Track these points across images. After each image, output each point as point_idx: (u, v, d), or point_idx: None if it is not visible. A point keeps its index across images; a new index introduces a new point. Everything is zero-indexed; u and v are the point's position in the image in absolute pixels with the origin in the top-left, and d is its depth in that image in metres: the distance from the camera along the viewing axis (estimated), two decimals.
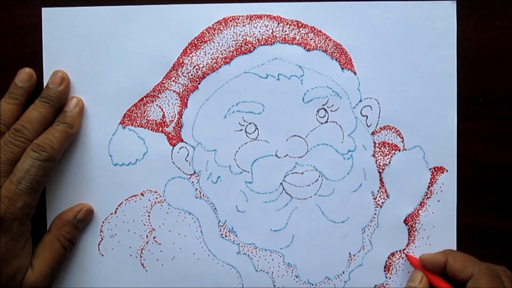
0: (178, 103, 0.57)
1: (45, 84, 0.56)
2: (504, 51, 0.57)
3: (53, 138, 0.54)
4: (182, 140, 0.57)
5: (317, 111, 0.57)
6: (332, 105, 0.57)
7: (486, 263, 0.53)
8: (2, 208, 0.51)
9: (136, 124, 0.57)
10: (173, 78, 0.57)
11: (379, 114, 0.57)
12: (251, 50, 0.57)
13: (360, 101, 0.57)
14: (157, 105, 0.57)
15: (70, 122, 0.55)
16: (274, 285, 0.57)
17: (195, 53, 0.57)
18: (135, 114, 0.57)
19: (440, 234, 0.57)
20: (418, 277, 0.54)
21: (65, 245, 0.56)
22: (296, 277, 0.57)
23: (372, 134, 0.57)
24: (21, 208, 0.52)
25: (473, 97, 0.57)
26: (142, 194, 0.57)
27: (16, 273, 0.52)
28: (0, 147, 0.53)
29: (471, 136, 0.57)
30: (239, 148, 0.57)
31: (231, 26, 0.57)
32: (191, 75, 0.57)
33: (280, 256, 0.57)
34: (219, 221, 0.57)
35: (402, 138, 0.57)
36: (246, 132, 0.57)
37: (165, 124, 0.57)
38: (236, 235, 0.57)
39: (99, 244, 0.58)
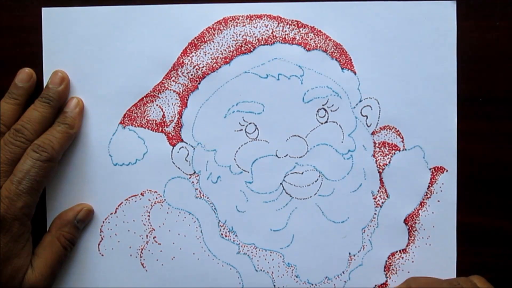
0: (178, 103, 0.57)
1: (45, 84, 0.56)
2: (504, 51, 0.57)
3: (53, 138, 0.54)
4: (182, 140, 0.57)
5: (317, 111, 0.57)
6: (332, 105, 0.57)
7: (448, 280, 0.54)
8: (2, 208, 0.51)
9: (136, 124, 0.57)
10: (173, 78, 0.57)
11: (379, 114, 0.57)
12: (251, 50, 0.57)
13: (360, 101, 0.57)
14: (157, 105, 0.57)
15: (71, 122, 0.55)
16: (274, 285, 0.57)
17: (195, 53, 0.57)
18: (135, 114, 0.57)
19: (440, 234, 0.57)
20: None
21: (66, 245, 0.56)
22: (296, 277, 0.57)
23: (372, 134, 0.57)
24: (21, 208, 0.52)
25: (473, 97, 0.57)
26: (142, 194, 0.57)
27: (16, 273, 0.52)
28: (0, 147, 0.53)
29: (471, 136, 0.57)
30: (239, 148, 0.57)
31: (231, 26, 0.57)
32: (191, 75, 0.57)
33: (280, 256, 0.57)
34: (219, 221, 0.57)
35: (402, 138, 0.57)
36: (246, 132, 0.57)
37: (165, 124, 0.57)
38: (236, 235, 0.57)
39: (99, 244, 0.58)
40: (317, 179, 0.57)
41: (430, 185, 0.57)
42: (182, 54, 0.57)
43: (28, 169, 0.52)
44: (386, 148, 0.57)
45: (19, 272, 0.52)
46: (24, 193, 0.52)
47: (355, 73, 0.57)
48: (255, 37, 0.57)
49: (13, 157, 0.53)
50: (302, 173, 0.57)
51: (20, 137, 0.53)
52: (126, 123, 0.57)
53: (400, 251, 0.57)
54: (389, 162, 0.57)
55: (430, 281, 0.54)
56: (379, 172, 0.57)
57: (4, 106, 0.55)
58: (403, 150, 0.57)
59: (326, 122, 0.57)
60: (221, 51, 0.57)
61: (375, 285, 0.57)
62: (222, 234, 0.57)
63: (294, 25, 0.57)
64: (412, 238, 0.57)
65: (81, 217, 0.56)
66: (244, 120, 0.57)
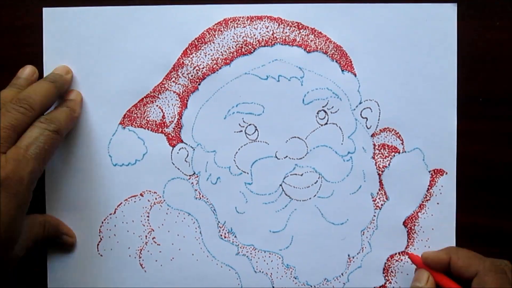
0: (178, 104, 0.57)
1: None
2: (504, 51, 0.57)
3: (59, 115, 0.53)
4: (182, 141, 0.57)
5: (317, 113, 0.57)
6: (332, 107, 0.57)
7: (490, 258, 0.52)
8: (8, 168, 0.48)
9: (136, 125, 0.57)
10: (173, 79, 0.57)
11: (379, 116, 0.57)
12: (251, 51, 0.57)
13: (360, 103, 0.57)
14: (157, 105, 0.57)
15: (73, 106, 0.55)
16: (273, 286, 0.57)
17: (195, 54, 0.57)
18: (135, 115, 0.57)
19: (439, 236, 0.56)
20: (425, 277, 0.53)
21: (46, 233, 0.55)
22: (295, 278, 0.57)
23: (372, 136, 0.57)
24: (30, 173, 0.49)
25: (473, 97, 0.57)
26: (141, 195, 0.57)
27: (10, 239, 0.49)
28: (0, 113, 0.50)
29: (471, 136, 0.57)
30: (239, 149, 0.57)
31: (232, 27, 0.57)
32: (191, 76, 0.57)
33: (279, 258, 0.57)
34: (218, 222, 0.57)
35: (402, 140, 0.57)
36: (246, 133, 0.57)
37: (165, 124, 0.57)
38: (235, 236, 0.57)
39: (98, 245, 0.58)
40: (317, 181, 0.57)
41: (430, 187, 0.57)
42: (183, 55, 0.57)
43: (36, 136, 0.50)
44: (385, 150, 0.57)
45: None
46: (32, 159, 0.49)
47: (355, 75, 0.57)
48: (255, 38, 0.57)
49: (17, 123, 0.50)
50: (302, 174, 0.57)
51: (25, 104, 0.51)
52: (126, 124, 0.57)
53: (399, 253, 0.57)
54: (389, 164, 0.57)
55: (471, 256, 0.52)
56: (378, 174, 0.57)
57: (5, 93, 0.53)
58: (402, 152, 0.57)
59: (326, 123, 0.57)
60: (221, 52, 0.57)
61: (374, 287, 0.57)
62: (221, 235, 0.57)
63: (294, 26, 0.57)
64: (411, 240, 0.57)
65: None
66: (244, 121, 0.57)
